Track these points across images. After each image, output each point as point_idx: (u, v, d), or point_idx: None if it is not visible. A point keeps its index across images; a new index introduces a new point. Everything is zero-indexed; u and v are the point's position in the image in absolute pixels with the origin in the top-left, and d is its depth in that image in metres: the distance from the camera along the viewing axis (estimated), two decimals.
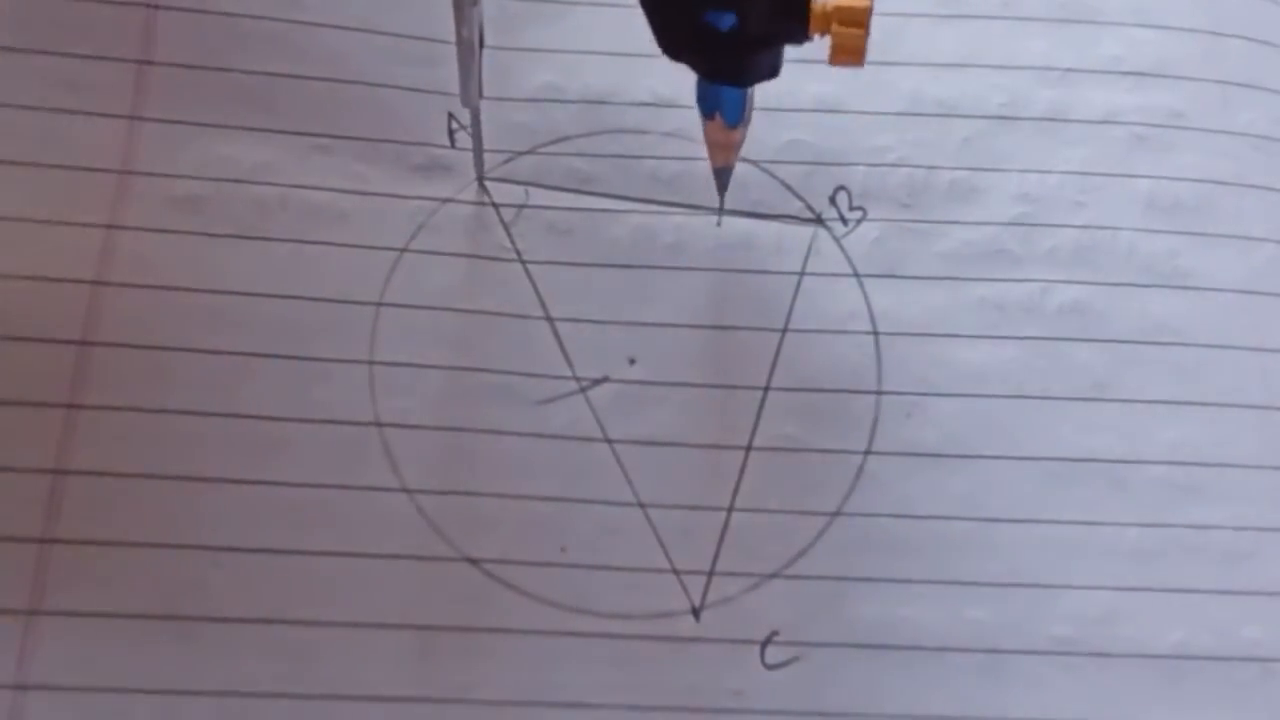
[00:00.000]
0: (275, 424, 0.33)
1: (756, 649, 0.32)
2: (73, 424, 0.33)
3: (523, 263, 0.36)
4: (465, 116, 0.37)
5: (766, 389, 0.35)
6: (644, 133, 0.38)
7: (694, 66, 0.30)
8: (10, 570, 0.31)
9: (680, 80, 0.38)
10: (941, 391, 0.35)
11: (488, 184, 0.37)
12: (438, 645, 0.32)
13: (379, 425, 0.34)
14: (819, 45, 0.28)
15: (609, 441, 0.34)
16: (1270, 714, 0.33)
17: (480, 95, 0.34)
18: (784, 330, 0.36)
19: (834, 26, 0.27)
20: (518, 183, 0.37)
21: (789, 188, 0.38)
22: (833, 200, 0.37)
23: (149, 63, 0.37)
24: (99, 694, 0.30)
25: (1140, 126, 0.39)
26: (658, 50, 0.38)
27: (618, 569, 0.33)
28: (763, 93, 0.38)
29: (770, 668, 0.32)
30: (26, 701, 0.30)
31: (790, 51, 0.39)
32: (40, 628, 0.31)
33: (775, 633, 0.33)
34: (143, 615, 0.31)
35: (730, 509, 0.34)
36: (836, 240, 0.37)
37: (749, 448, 0.35)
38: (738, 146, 0.33)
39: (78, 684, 0.30)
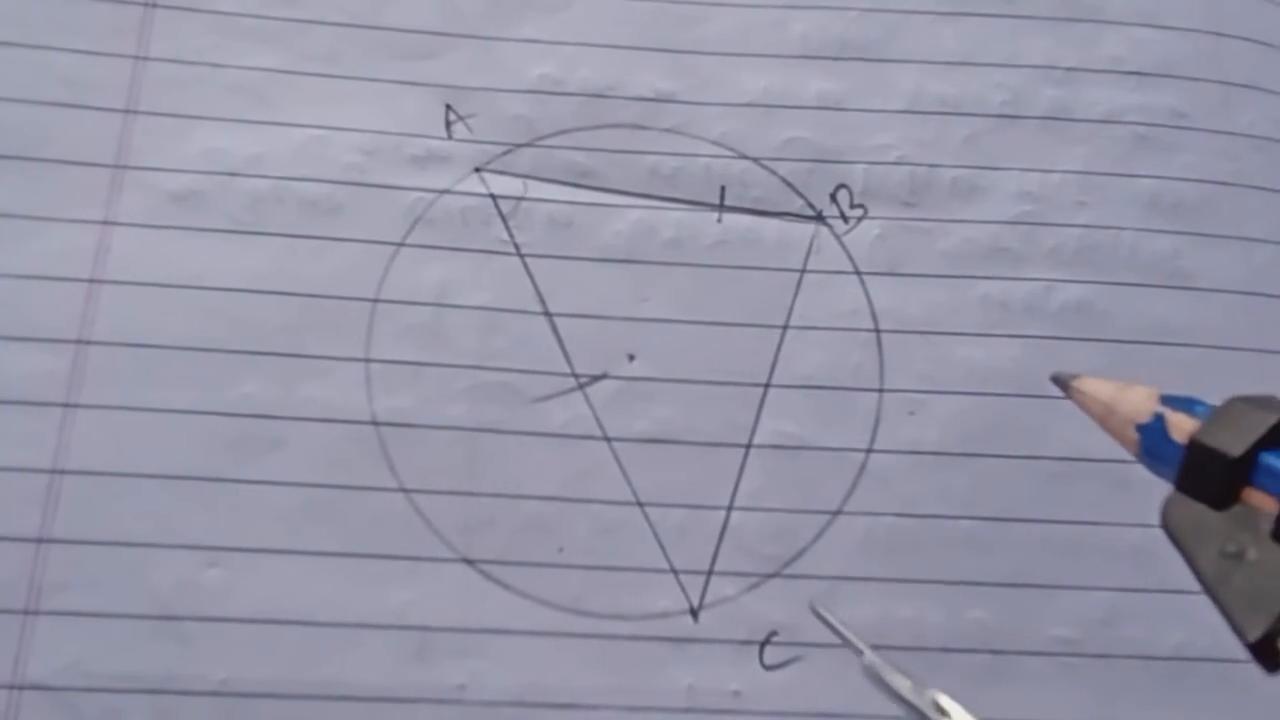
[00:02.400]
0: (271, 422, 0.33)
1: (755, 649, 0.32)
2: (69, 423, 0.33)
3: (521, 256, 0.36)
4: (462, 108, 0.37)
5: (767, 386, 0.35)
6: (644, 128, 0.38)
7: None
8: (6, 570, 0.31)
9: (680, 76, 0.38)
10: (943, 390, 0.35)
11: (486, 176, 0.37)
12: (434, 645, 0.32)
13: (375, 424, 0.34)
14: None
15: (607, 439, 0.34)
16: (1270, 716, 0.33)
17: None
18: (784, 327, 0.36)
19: None
20: (516, 175, 0.37)
21: (790, 185, 0.37)
22: (834, 198, 0.37)
23: (145, 58, 0.37)
24: (94, 694, 0.30)
25: (1142, 126, 0.39)
26: (658, 44, 0.39)
27: (615, 569, 0.33)
28: (765, 90, 0.38)
29: (769, 668, 0.32)
30: (22, 701, 0.30)
31: (792, 47, 0.39)
32: (36, 627, 0.31)
33: (774, 633, 0.33)
34: (139, 615, 0.31)
35: (729, 508, 0.34)
36: (838, 238, 0.37)
37: (749, 446, 0.34)
38: None
39: (73, 684, 0.30)
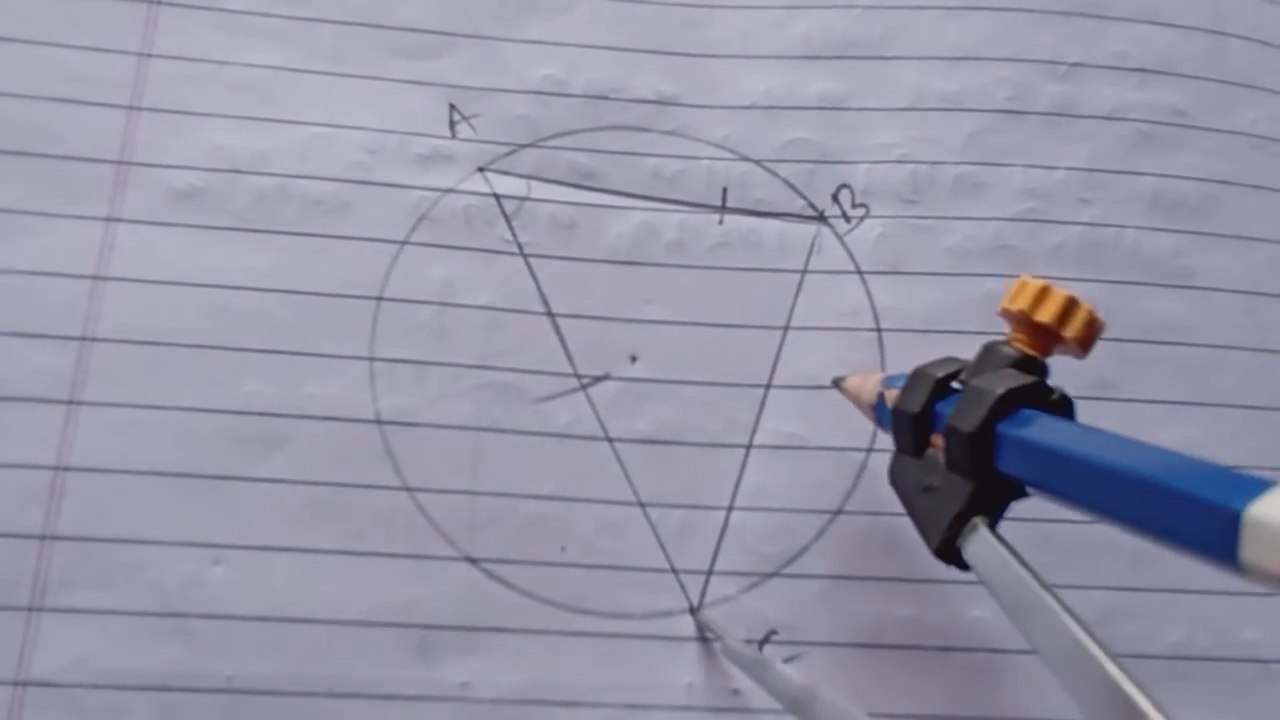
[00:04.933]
0: (275, 420, 0.33)
1: (755, 648, 0.33)
2: (73, 420, 0.33)
3: (524, 256, 0.36)
4: (466, 108, 0.37)
5: (768, 387, 0.35)
6: (646, 130, 0.38)
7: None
8: (11, 566, 0.31)
9: (683, 79, 0.38)
10: None
11: (489, 175, 0.37)
12: (437, 643, 0.32)
13: (379, 423, 0.34)
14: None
15: (609, 440, 0.34)
16: (1269, 715, 0.33)
17: None
18: (786, 328, 0.36)
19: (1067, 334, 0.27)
20: (519, 175, 0.37)
21: (792, 186, 0.37)
22: (835, 198, 0.37)
23: (149, 55, 0.37)
24: (99, 690, 0.31)
25: (1145, 124, 0.39)
26: (661, 47, 0.38)
27: (617, 568, 0.33)
28: (766, 92, 0.38)
29: None
30: (27, 697, 0.30)
31: (795, 48, 0.39)
32: (40, 624, 0.31)
33: (774, 632, 0.33)
34: (143, 612, 0.31)
35: (730, 508, 0.34)
36: (839, 237, 0.37)
37: (749, 446, 0.34)
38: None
39: (78, 681, 0.31)
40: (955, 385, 0.27)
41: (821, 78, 0.39)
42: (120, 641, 0.31)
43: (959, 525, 0.25)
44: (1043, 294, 0.27)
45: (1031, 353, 0.27)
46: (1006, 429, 0.24)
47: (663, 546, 0.33)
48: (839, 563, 0.33)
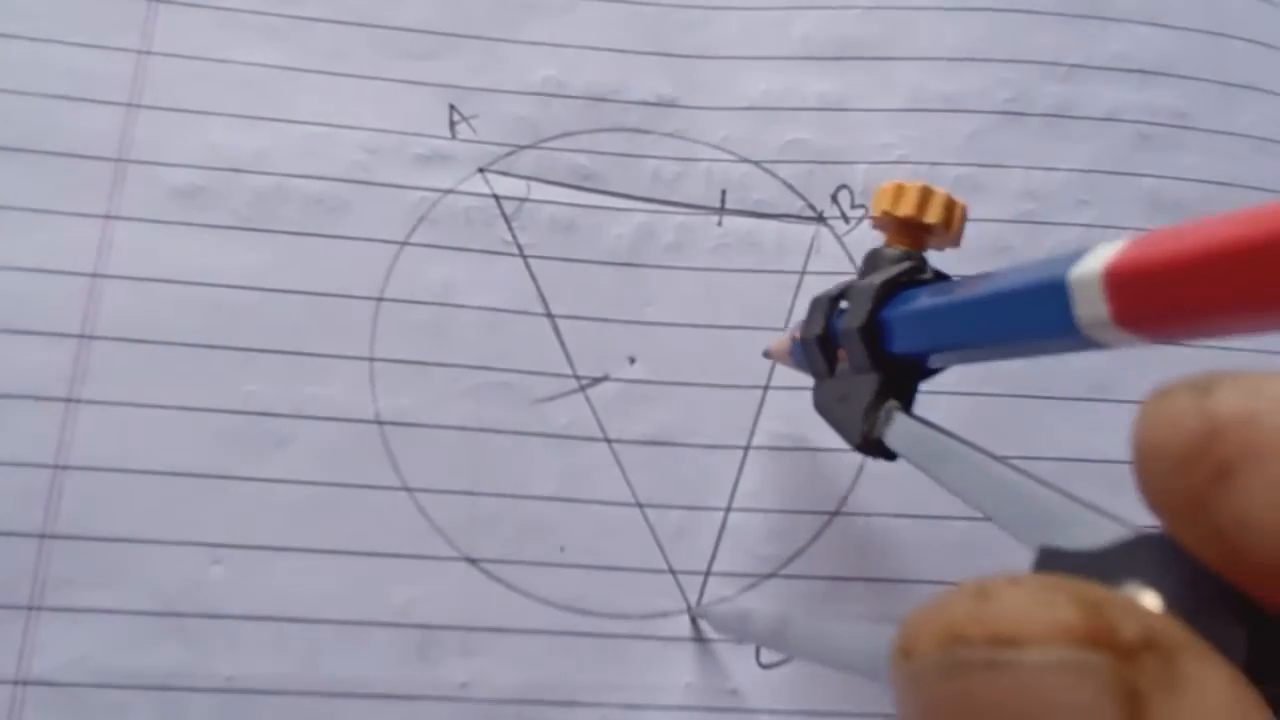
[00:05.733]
0: (275, 420, 0.33)
1: (752, 649, 0.33)
2: (72, 418, 0.33)
3: (524, 257, 0.36)
4: (466, 108, 0.37)
5: (766, 388, 0.35)
6: (646, 132, 0.38)
7: None
8: (10, 565, 0.31)
9: (682, 80, 0.38)
10: (943, 390, 0.35)
11: (489, 176, 0.37)
12: (437, 643, 0.32)
13: (379, 423, 0.34)
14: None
15: (608, 441, 0.34)
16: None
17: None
18: (784, 330, 0.36)
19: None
20: (519, 176, 0.37)
21: (791, 187, 0.37)
22: (834, 198, 0.37)
23: (148, 52, 0.37)
24: (99, 690, 0.31)
25: (1144, 125, 0.39)
26: (661, 49, 0.38)
27: (615, 569, 0.33)
28: (765, 93, 0.38)
29: (766, 667, 0.33)
30: (26, 697, 0.30)
31: (794, 48, 0.39)
32: (40, 623, 0.31)
33: None
34: (143, 612, 0.31)
35: (728, 509, 0.34)
36: (838, 238, 0.37)
37: (748, 447, 0.35)
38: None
39: (78, 680, 0.31)
40: (845, 304, 0.28)
41: (821, 78, 0.39)
42: (120, 641, 0.31)
43: (873, 414, 0.26)
44: (899, 190, 0.28)
45: (905, 247, 0.28)
46: (889, 312, 0.26)
47: (661, 547, 0.33)
48: (836, 564, 0.34)
